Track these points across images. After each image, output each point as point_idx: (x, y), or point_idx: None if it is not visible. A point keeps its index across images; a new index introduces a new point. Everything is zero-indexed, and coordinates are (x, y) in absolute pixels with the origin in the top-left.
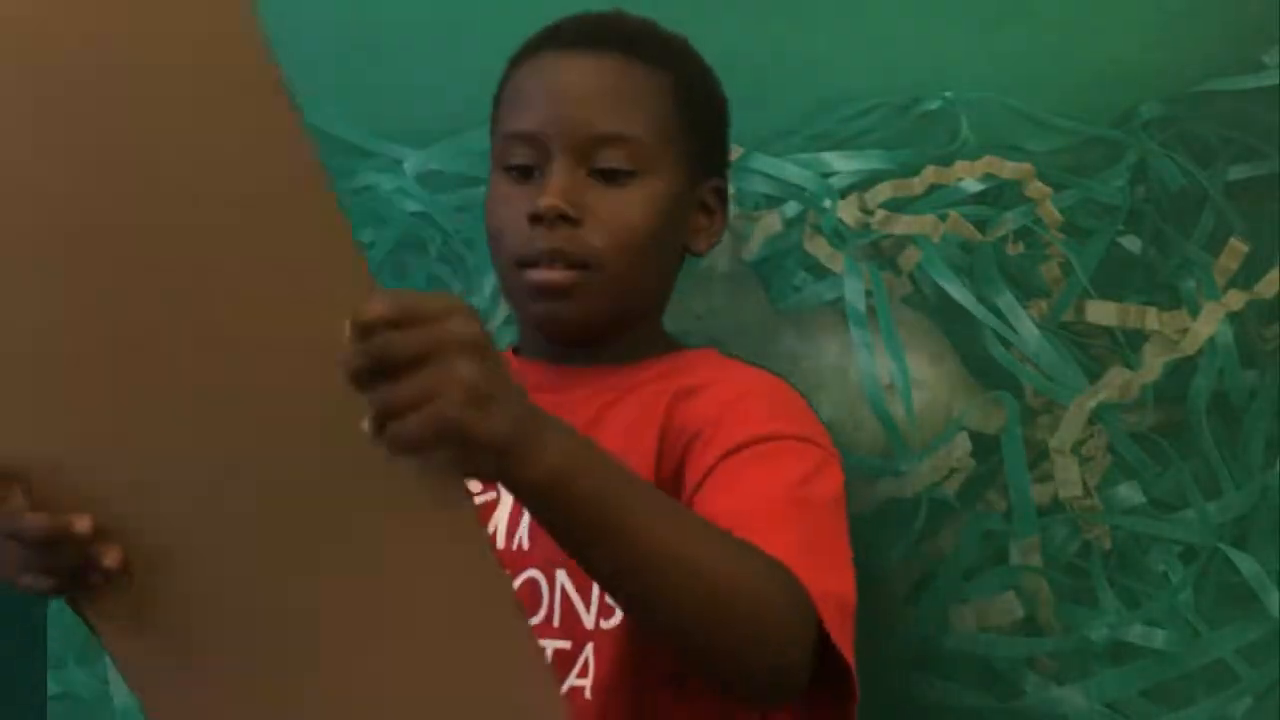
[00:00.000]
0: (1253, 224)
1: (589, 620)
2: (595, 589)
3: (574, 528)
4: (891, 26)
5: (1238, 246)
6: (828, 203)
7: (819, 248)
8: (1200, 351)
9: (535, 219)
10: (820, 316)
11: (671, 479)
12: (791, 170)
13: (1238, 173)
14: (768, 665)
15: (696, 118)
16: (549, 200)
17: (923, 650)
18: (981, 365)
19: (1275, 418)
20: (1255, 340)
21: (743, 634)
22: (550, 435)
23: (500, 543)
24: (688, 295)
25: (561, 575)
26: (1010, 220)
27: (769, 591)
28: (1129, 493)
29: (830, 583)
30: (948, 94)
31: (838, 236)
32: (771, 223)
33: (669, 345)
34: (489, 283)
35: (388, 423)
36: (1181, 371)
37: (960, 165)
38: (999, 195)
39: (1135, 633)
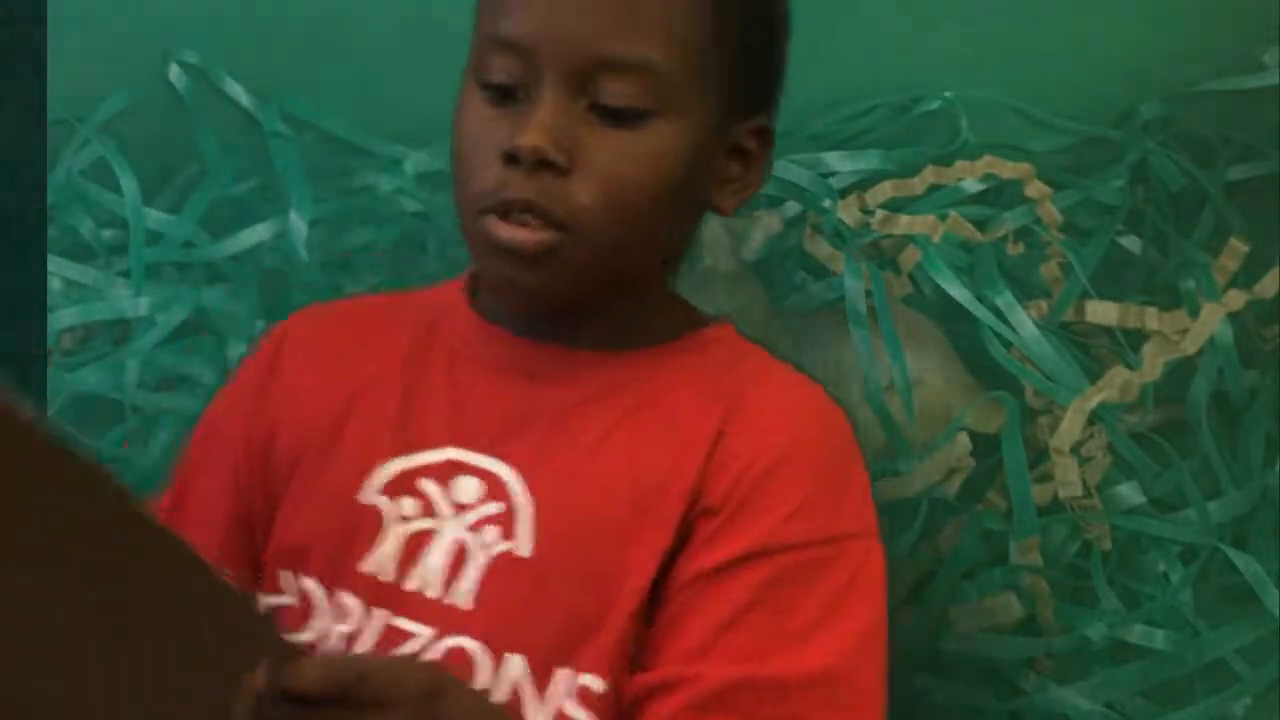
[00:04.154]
0: (1253, 224)
1: None
2: (557, 692)
3: None
4: (891, 26)
5: (1238, 246)
6: (828, 203)
7: (819, 248)
8: (1200, 351)
9: (511, 159)
10: (820, 316)
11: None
12: (791, 170)
13: (1238, 173)
14: None
15: (743, 33)
16: (530, 139)
17: (923, 650)
18: (981, 365)
19: (1275, 418)
20: (1255, 340)
21: None
22: None
23: (431, 589)
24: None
25: (516, 663)
26: (1010, 220)
27: None
28: (1129, 493)
29: None
30: (948, 94)
31: (838, 236)
32: (771, 223)
33: (679, 323)
34: None
35: None
36: (1181, 371)
37: (960, 165)
38: (999, 195)
39: (1135, 633)
